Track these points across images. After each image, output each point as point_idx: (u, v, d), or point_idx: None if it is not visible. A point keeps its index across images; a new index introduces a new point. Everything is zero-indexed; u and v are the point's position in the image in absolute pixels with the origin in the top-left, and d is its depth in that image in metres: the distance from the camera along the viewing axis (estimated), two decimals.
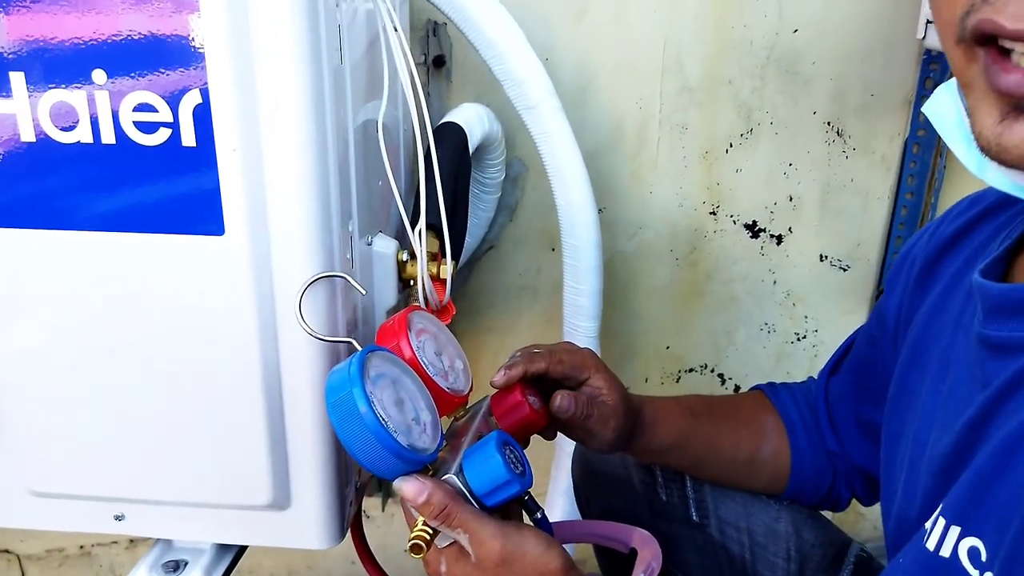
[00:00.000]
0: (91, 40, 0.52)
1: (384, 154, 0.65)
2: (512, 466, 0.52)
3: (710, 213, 1.14)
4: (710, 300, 1.19)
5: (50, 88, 0.53)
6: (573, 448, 0.87)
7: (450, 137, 0.80)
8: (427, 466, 0.52)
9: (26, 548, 1.35)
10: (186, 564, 0.68)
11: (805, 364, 1.23)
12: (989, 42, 0.40)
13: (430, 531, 0.51)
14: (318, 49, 0.54)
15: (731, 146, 1.09)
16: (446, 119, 0.84)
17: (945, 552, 0.45)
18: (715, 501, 0.78)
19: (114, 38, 0.52)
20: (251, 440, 0.62)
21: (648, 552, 0.68)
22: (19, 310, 0.59)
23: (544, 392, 0.64)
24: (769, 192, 1.12)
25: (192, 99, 0.53)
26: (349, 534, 0.71)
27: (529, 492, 0.55)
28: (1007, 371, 0.46)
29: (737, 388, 1.24)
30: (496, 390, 0.62)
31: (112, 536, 1.32)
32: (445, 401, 0.58)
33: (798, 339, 1.21)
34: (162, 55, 0.52)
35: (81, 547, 1.35)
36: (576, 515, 0.94)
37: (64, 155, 0.54)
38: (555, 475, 1.09)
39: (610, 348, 1.17)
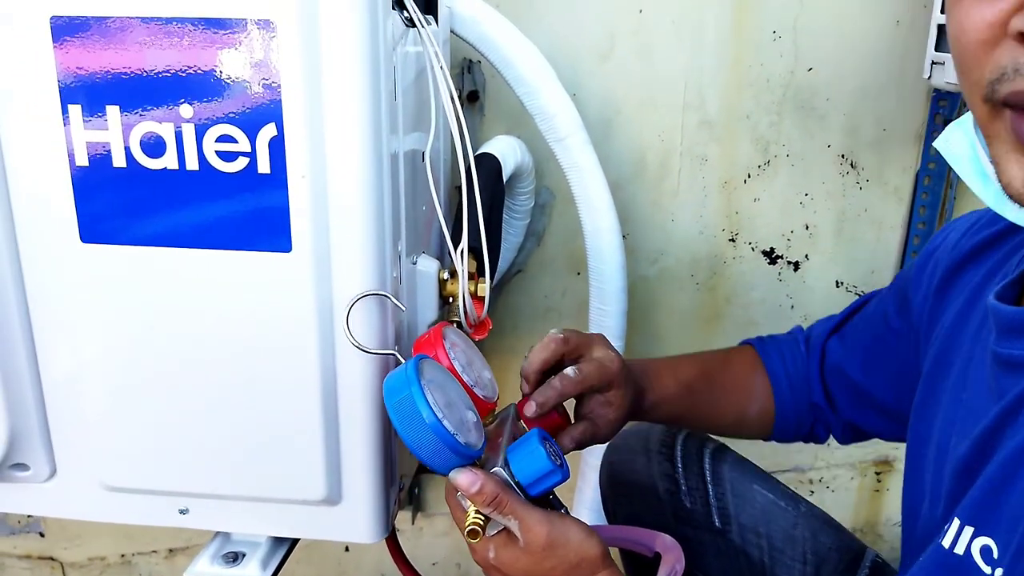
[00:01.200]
0: (180, 77, 0.59)
1: (431, 181, 0.71)
2: (553, 458, 0.57)
3: (729, 240, 1.19)
4: (729, 324, 1.24)
5: (142, 120, 0.60)
6: (600, 460, 0.92)
7: (486, 166, 0.87)
8: (475, 460, 0.58)
9: (69, 556, 1.41)
10: (244, 555, 0.73)
11: None
12: (1019, 107, 0.43)
13: (483, 518, 0.56)
14: (377, 88, 0.61)
15: (749, 176, 1.15)
16: (482, 150, 0.91)
17: (959, 550, 0.49)
18: (736, 508, 0.83)
19: (201, 77, 0.58)
20: (308, 439, 0.67)
21: (672, 556, 0.73)
22: (103, 318, 0.65)
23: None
24: (786, 220, 1.18)
25: (268, 132, 0.59)
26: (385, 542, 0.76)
27: (554, 492, 0.61)
28: (1018, 387, 0.50)
29: None
30: (522, 396, 0.69)
31: (152, 545, 1.38)
32: (479, 407, 0.64)
33: None
34: (244, 92, 0.59)
35: (122, 556, 1.41)
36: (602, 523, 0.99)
37: (151, 179, 0.61)
38: (580, 487, 1.14)
39: None
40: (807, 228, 1.18)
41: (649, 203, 1.16)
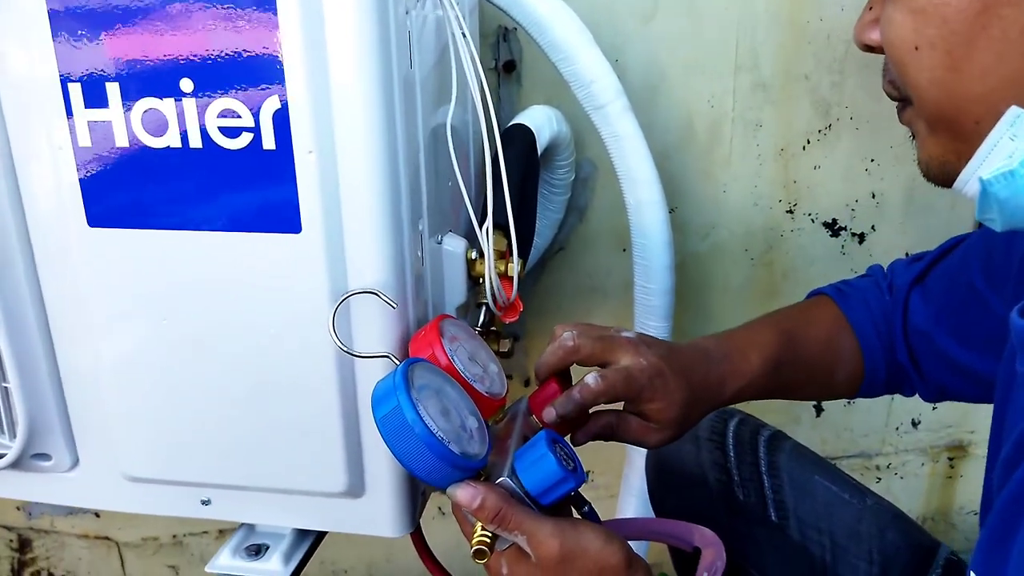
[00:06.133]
0: (179, 54, 0.55)
1: (452, 156, 0.67)
2: (564, 463, 0.52)
3: (787, 212, 1.11)
4: (787, 301, 1.14)
5: (142, 97, 0.57)
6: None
7: (518, 139, 0.82)
8: (479, 471, 0.53)
9: (124, 536, 1.43)
10: (267, 548, 0.71)
11: None
12: None
13: (490, 535, 0.52)
14: (388, 56, 0.56)
15: (808, 142, 1.07)
16: (514, 121, 0.86)
17: None
18: (795, 501, 0.77)
19: (200, 51, 0.55)
20: (326, 429, 0.64)
21: (711, 551, 0.68)
22: (115, 306, 0.63)
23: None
24: (850, 189, 1.09)
25: (272, 105, 0.56)
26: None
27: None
28: None
29: None
30: (534, 388, 0.62)
31: (203, 526, 1.39)
32: (484, 405, 0.59)
33: None
34: (244, 65, 0.55)
35: (174, 536, 1.42)
36: (649, 516, 0.94)
37: (154, 158, 0.58)
38: (627, 473, 1.09)
39: None
40: (873, 197, 1.09)
41: (699, 173, 1.09)
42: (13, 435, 0.66)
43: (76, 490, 0.71)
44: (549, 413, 0.59)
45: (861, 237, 1.12)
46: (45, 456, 0.69)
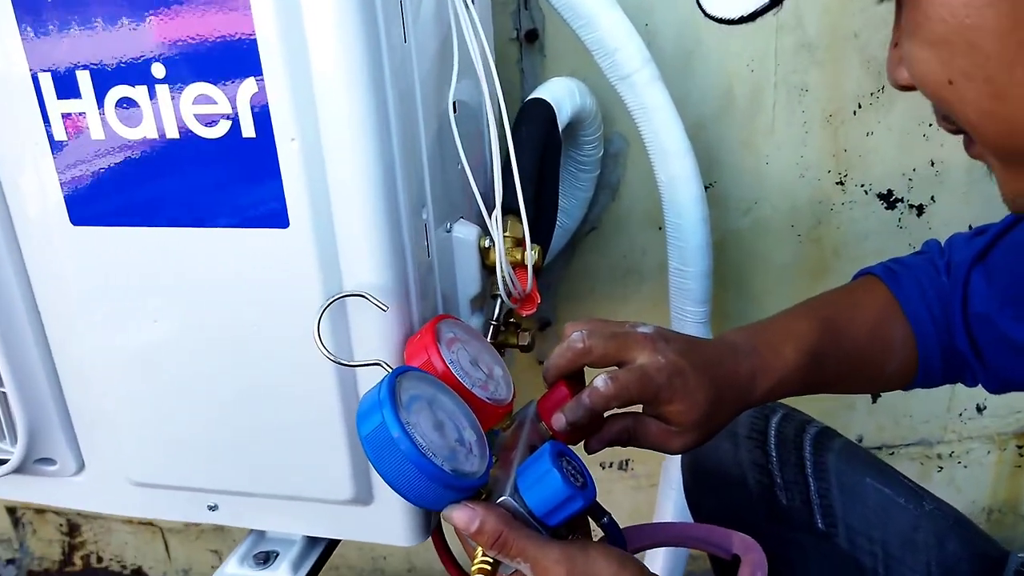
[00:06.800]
0: (148, 38, 0.51)
1: (456, 137, 0.61)
2: (572, 479, 0.47)
3: (837, 183, 1.03)
4: (837, 279, 1.07)
5: (114, 86, 0.53)
6: None
7: (536, 115, 0.76)
8: (479, 489, 0.48)
9: (168, 521, 1.44)
10: (276, 555, 0.68)
11: None
12: None
13: (491, 561, 0.47)
14: (374, 31, 0.51)
15: (859, 107, 0.98)
16: (533, 96, 0.80)
17: None
18: (844, 507, 0.70)
19: (170, 35, 0.51)
20: (328, 435, 0.60)
21: (751, 560, 0.62)
22: (105, 307, 0.60)
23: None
24: (907, 157, 1.00)
25: (248, 89, 0.51)
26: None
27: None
28: None
29: None
30: (542, 393, 0.57)
31: None
32: (488, 413, 0.53)
33: None
34: (217, 47, 0.50)
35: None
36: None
37: (132, 151, 0.54)
38: (666, 465, 1.03)
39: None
40: (932, 165, 1.00)
41: (738, 144, 1.01)
42: (15, 440, 0.64)
43: (83, 494, 0.69)
44: (558, 420, 0.54)
45: (920, 209, 1.03)
46: (50, 461, 0.67)
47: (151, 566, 1.48)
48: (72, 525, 1.46)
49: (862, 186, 1.02)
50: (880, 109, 0.98)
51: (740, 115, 0.99)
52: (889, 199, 1.03)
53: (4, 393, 0.63)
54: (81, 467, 0.68)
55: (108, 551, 1.48)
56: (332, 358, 0.51)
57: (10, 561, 1.48)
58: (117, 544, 1.47)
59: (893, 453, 1.19)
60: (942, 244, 0.70)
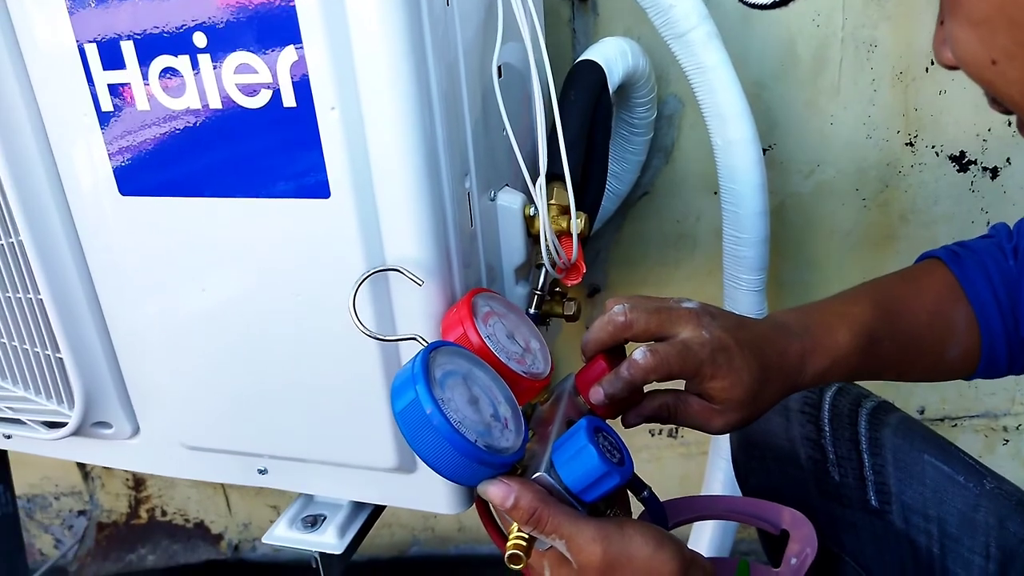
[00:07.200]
0: (190, 7, 0.51)
1: (500, 102, 0.60)
2: (608, 455, 0.46)
3: (906, 144, 0.97)
4: (905, 246, 1.03)
5: (157, 56, 0.52)
6: None
7: (585, 78, 0.73)
8: (515, 465, 0.48)
9: None
10: (324, 519, 0.69)
11: None
12: None
13: (526, 537, 0.46)
14: None
15: (932, 64, 0.92)
16: (582, 57, 0.77)
17: None
18: (900, 484, 0.67)
19: (210, 1, 0.50)
20: (372, 404, 0.61)
21: (801, 536, 0.60)
22: (154, 276, 0.61)
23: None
24: (982, 117, 0.94)
25: (288, 57, 0.50)
26: None
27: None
28: None
29: None
30: (581, 366, 0.55)
31: None
32: (525, 388, 0.52)
33: None
34: (257, 15, 0.50)
35: None
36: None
37: (176, 122, 0.55)
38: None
39: (780, 302, 1.06)
40: (1009, 125, 0.93)
41: (801, 104, 0.96)
42: (72, 404, 0.66)
43: (138, 457, 0.72)
44: (596, 393, 0.53)
45: (994, 172, 0.97)
46: (106, 424, 0.69)
47: (213, 520, 1.54)
48: (138, 480, 1.52)
49: (933, 147, 0.97)
50: None
51: (803, 74, 0.94)
52: (961, 161, 0.97)
53: (61, 359, 0.65)
54: (136, 431, 0.70)
55: (172, 505, 1.54)
56: (368, 332, 0.51)
57: (81, 512, 1.56)
58: (180, 499, 1.53)
59: (956, 425, 1.14)
60: (1011, 226, 0.66)
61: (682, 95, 0.97)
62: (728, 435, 0.79)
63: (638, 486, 0.52)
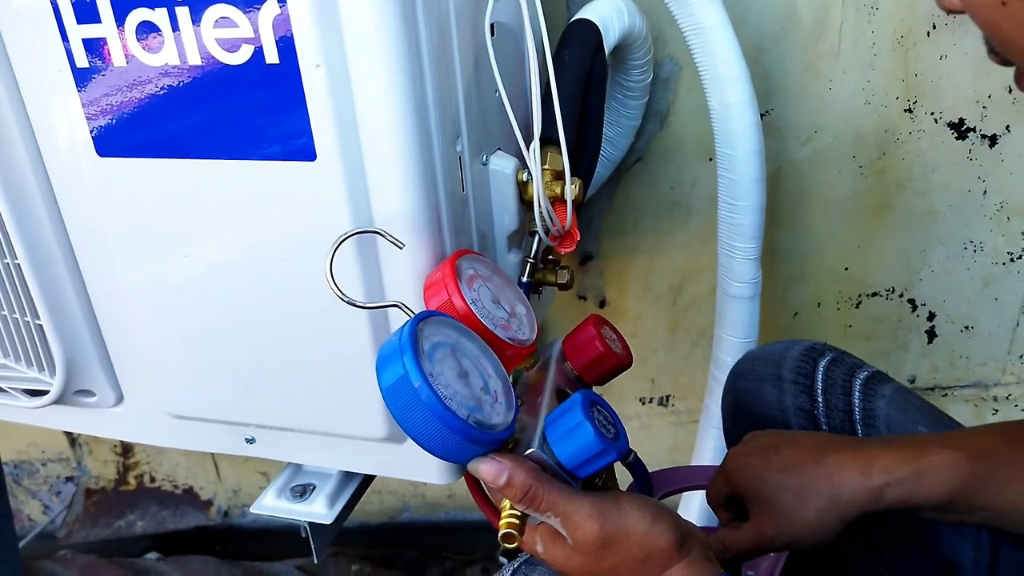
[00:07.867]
0: None
1: (493, 62, 0.57)
2: (604, 430, 0.45)
3: (905, 110, 0.96)
4: (901, 215, 1.02)
5: (134, 8, 0.50)
6: (726, 377, 0.78)
7: (580, 37, 0.71)
8: (505, 440, 0.46)
9: None
10: (313, 488, 0.68)
11: (1020, 289, 1.04)
12: None
13: (519, 515, 0.45)
14: None
15: (934, 27, 0.90)
16: (577, 16, 0.74)
17: None
18: None
19: None
20: (360, 373, 0.59)
21: None
22: (135, 240, 0.59)
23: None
24: (982, 83, 0.92)
25: (270, 10, 0.48)
26: None
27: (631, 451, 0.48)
28: None
29: (932, 315, 1.08)
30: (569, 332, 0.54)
31: None
32: (511, 355, 0.50)
33: (1012, 260, 1.02)
34: None
35: None
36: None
37: (155, 78, 0.52)
38: (707, 404, 1.01)
39: (773, 270, 1.05)
40: (1010, 91, 0.92)
41: (800, 68, 0.94)
42: (53, 372, 0.65)
43: (122, 425, 0.70)
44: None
45: (992, 140, 0.95)
46: (88, 392, 0.68)
47: (202, 486, 1.53)
48: (126, 446, 1.51)
49: (932, 114, 0.95)
50: (956, 30, 0.90)
51: (803, 36, 0.92)
52: (960, 128, 0.96)
53: (40, 325, 0.63)
54: (120, 399, 0.69)
55: (160, 471, 1.53)
56: (346, 299, 0.48)
57: (69, 479, 1.55)
58: (169, 465, 1.52)
59: (946, 395, 1.14)
60: None
61: (679, 57, 0.95)
62: (720, 407, 0.79)
63: (636, 465, 0.51)
